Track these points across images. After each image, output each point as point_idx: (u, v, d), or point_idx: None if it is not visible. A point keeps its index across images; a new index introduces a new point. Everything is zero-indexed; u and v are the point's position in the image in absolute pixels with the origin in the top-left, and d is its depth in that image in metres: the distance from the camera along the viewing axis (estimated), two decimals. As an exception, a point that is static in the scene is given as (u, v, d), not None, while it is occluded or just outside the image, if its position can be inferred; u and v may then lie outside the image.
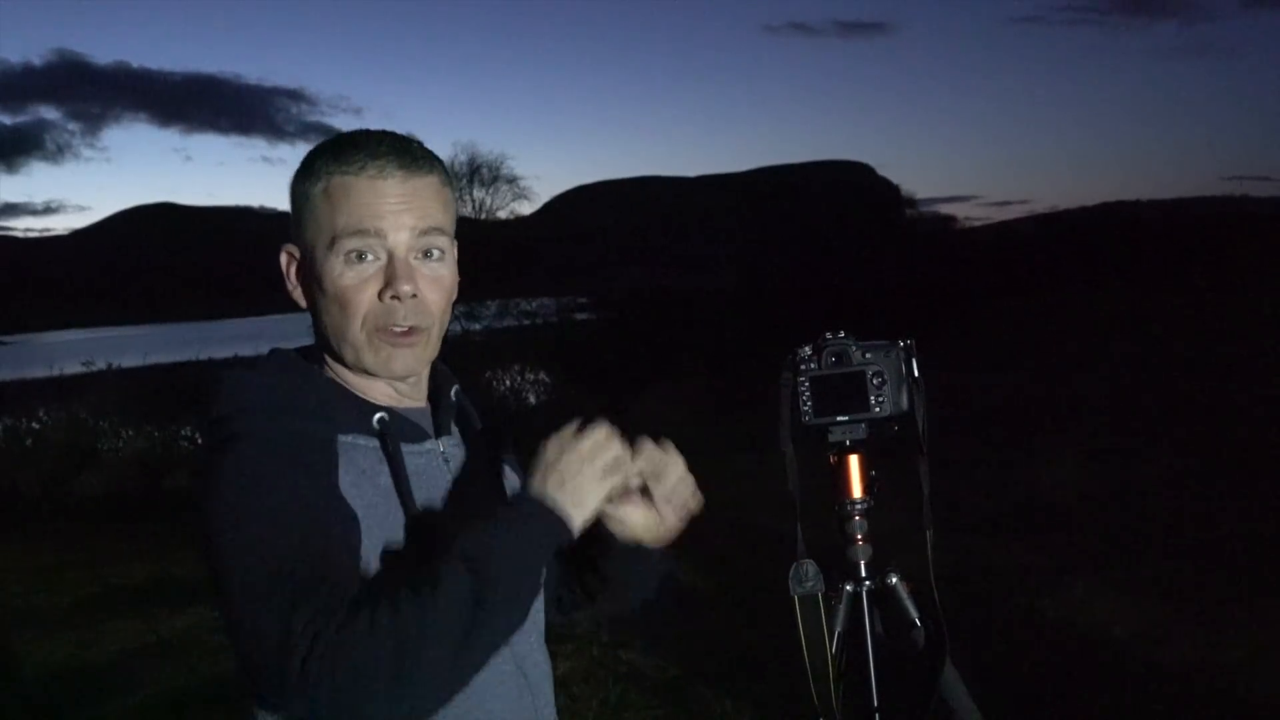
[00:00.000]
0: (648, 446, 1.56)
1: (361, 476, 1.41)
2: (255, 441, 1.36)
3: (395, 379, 1.49)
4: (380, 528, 1.40)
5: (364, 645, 1.18)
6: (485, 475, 1.59)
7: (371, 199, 1.41)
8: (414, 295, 1.43)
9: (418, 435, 1.51)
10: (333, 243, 1.42)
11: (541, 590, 1.58)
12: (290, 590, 1.22)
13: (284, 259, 1.51)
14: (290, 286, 1.51)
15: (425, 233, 1.45)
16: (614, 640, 5.45)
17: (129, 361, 17.59)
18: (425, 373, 1.57)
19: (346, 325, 1.43)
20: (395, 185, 1.42)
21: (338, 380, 1.50)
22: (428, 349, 1.49)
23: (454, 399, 1.60)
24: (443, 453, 1.53)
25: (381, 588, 1.25)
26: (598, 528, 1.50)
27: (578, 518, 1.36)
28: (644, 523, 1.59)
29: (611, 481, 1.42)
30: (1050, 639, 5.17)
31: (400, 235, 1.43)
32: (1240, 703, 4.32)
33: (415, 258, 1.45)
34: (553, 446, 1.39)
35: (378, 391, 1.50)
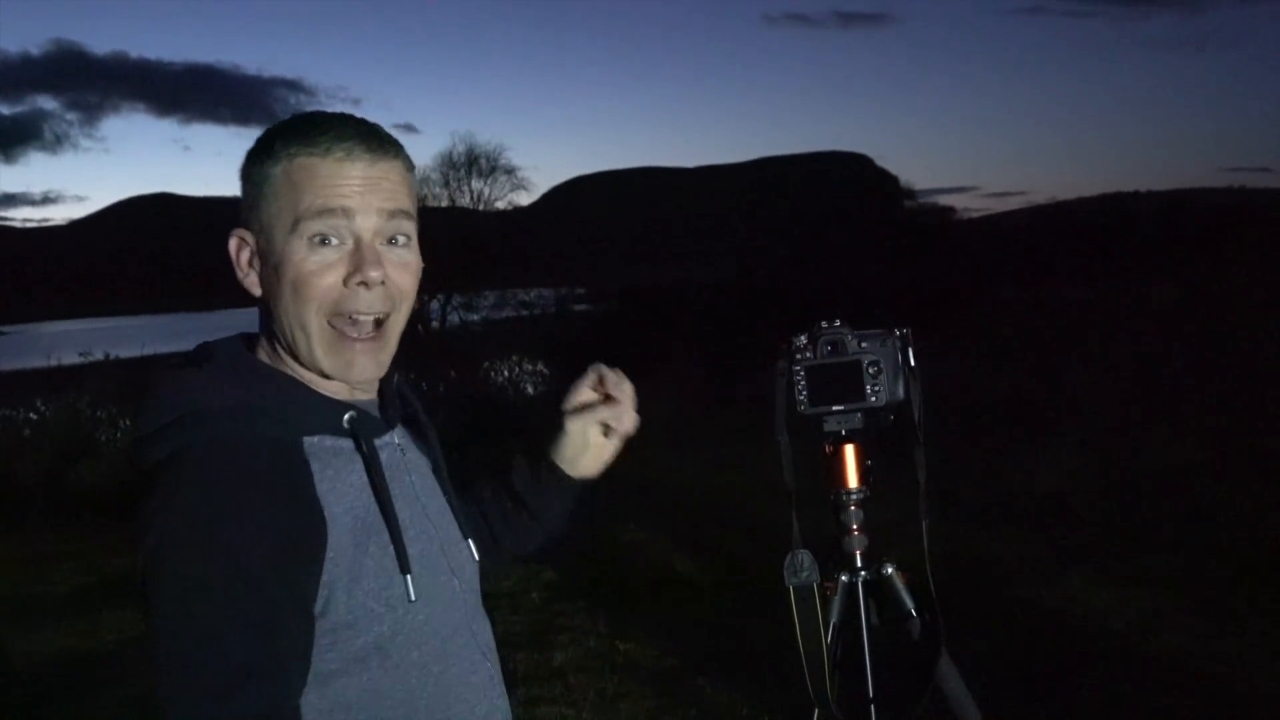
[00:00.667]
0: (606, 374, 1.66)
1: (336, 479, 1.35)
2: (214, 467, 1.25)
3: (355, 384, 1.42)
4: (365, 530, 1.34)
5: None
6: (436, 465, 1.57)
7: (338, 180, 1.34)
8: (382, 282, 1.36)
9: (379, 430, 1.45)
10: (295, 225, 1.33)
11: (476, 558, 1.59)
12: (223, 678, 1.16)
13: (234, 245, 1.41)
14: (241, 274, 1.41)
15: (393, 215, 1.37)
16: (611, 631, 5.46)
17: (127, 352, 17.56)
18: None
19: (304, 312, 1.35)
20: (362, 168, 1.35)
21: (294, 375, 1.40)
22: (386, 351, 1.41)
23: (396, 389, 1.53)
24: (398, 444, 1.49)
25: None
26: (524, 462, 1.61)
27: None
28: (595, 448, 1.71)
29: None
30: (1047, 629, 5.17)
31: (369, 218, 1.35)
32: (1238, 693, 4.32)
33: (381, 243, 1.37)
34: None
35: (332, 385, 1.42)
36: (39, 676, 5.63)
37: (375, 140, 1.38)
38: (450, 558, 1.49)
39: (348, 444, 1.39)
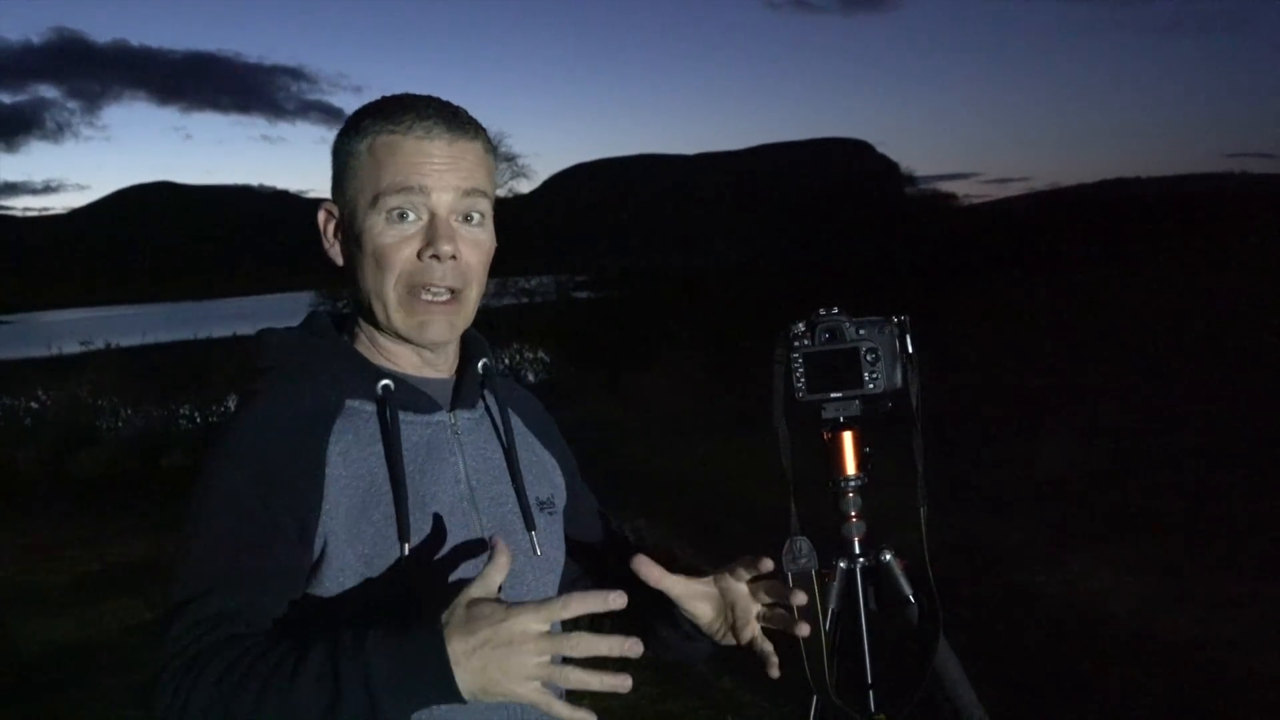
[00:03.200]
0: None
1: (355, 444, 1.41)
2: (255, 414, 1.41)
3: (427, 346, 1.48)
4: (366, 496, 1.39)
5: (202, 690, 1.20)
6: (499, 453, 1.56)
7: (417, 158, 1.41)
8: (454, 256, 1.42)
9: (427, 406, 1.49)
10: (375, 200, 1.41)
11: (558, 567, 1.64)
12: (192, 583, 1.29)
13: (322, 217, 1.51)
14: (327, 244, 1.51)
15: (468, 194, 1.44)
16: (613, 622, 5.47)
17: (127, 340, 17.59)
18: (454, 344, 1.56)
19: (382, 283, 1.43)
20: (441, 146, 1.42)
21: (358, 345, 1.51)
22: (461, 316, 1.48)
23: (480, 371, 1.57)
24: (453, 425, 1.51)
25: (261, 641, 1.24)
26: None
27: (471, 696, 1.18)
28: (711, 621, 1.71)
29: (535, 684, 1.21)
30: (1047, 614, 5.19)
31: (444, 195, 1.42)
32: (1237, 677, 4.33)
33: (456, 219, 1.44)
34: (484, 619, 1.18)
35: (403, 358, 1.50)
36: (43, 664, 5.65)
37: (456, 120, 1.45)
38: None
39: (374, 410, 1.45)
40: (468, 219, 1.45)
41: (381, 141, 1.42)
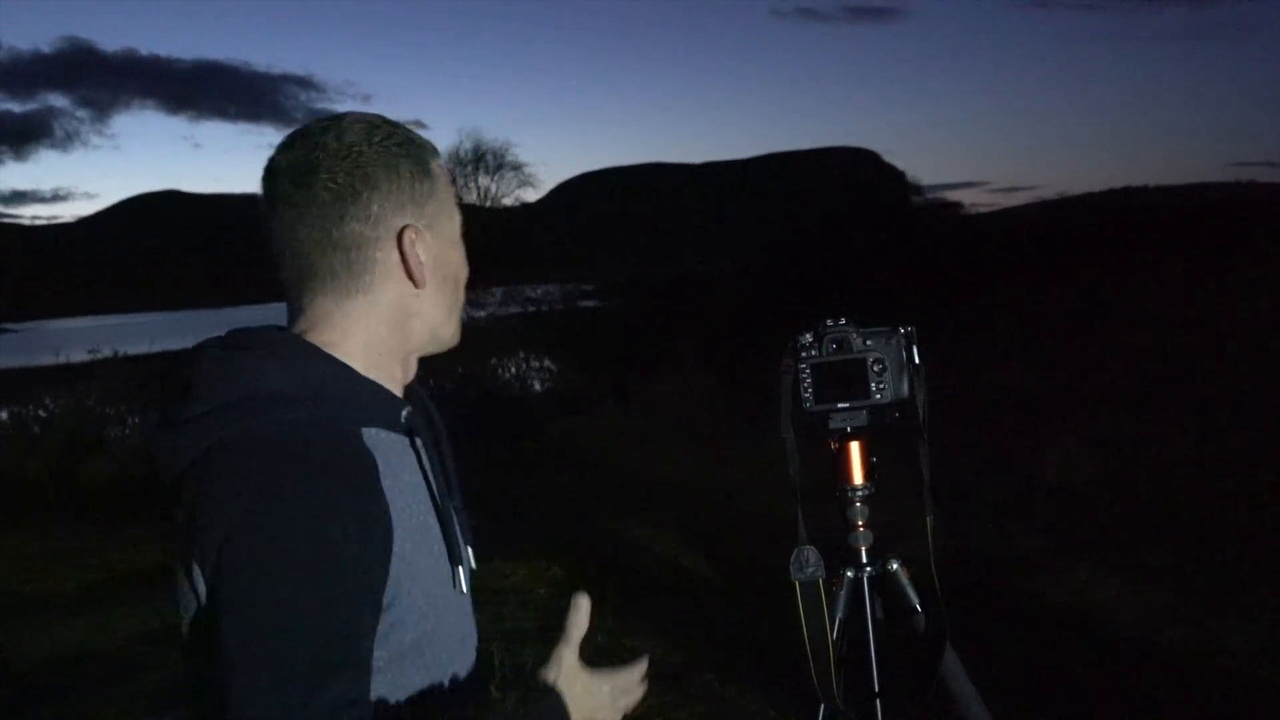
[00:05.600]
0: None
1: (399, 475, 1.34)
2: (280, 456, 1.22)
3: (451, 346, 1.54)
4: (420, 528, 1.36)
5: None
6: (445, 469, 1.54)
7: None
8: None
9: (422, 430, 1.47)
10: (456, 231, 1.50)
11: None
12: (315, 666, 1.14)
13: (411, 235, 1.41)
14: (414, 264, 1.41)
15: None
16: (618, 627, 5.47)
17: (135, 348, 17.63)
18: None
19: (456, 299, 1.51)
20: None
21: (350, 365, 1.38)
22: None
23: (418, 388, 1.55)
24: (435, 443, 1.52)
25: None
26: None
27: None
28: None
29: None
30: (1054, 624, 5.18)
31: None
32: (1246, 687, 4.32)
33: None
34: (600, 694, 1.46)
35: (392, 375, 1.44)
36: (51, 672, 5.66)
37: None
38: (465, 557, 1.51)
39: (400, 440, 1.38)
40: None
41: (445, 174, 1.49)
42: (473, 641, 1.51)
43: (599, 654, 5.22)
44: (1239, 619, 4.98)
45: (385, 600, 1.27)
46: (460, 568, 1.40)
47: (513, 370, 17.53)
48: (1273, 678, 4.39)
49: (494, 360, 17.48)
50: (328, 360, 1.35)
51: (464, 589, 1.41)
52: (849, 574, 2.31)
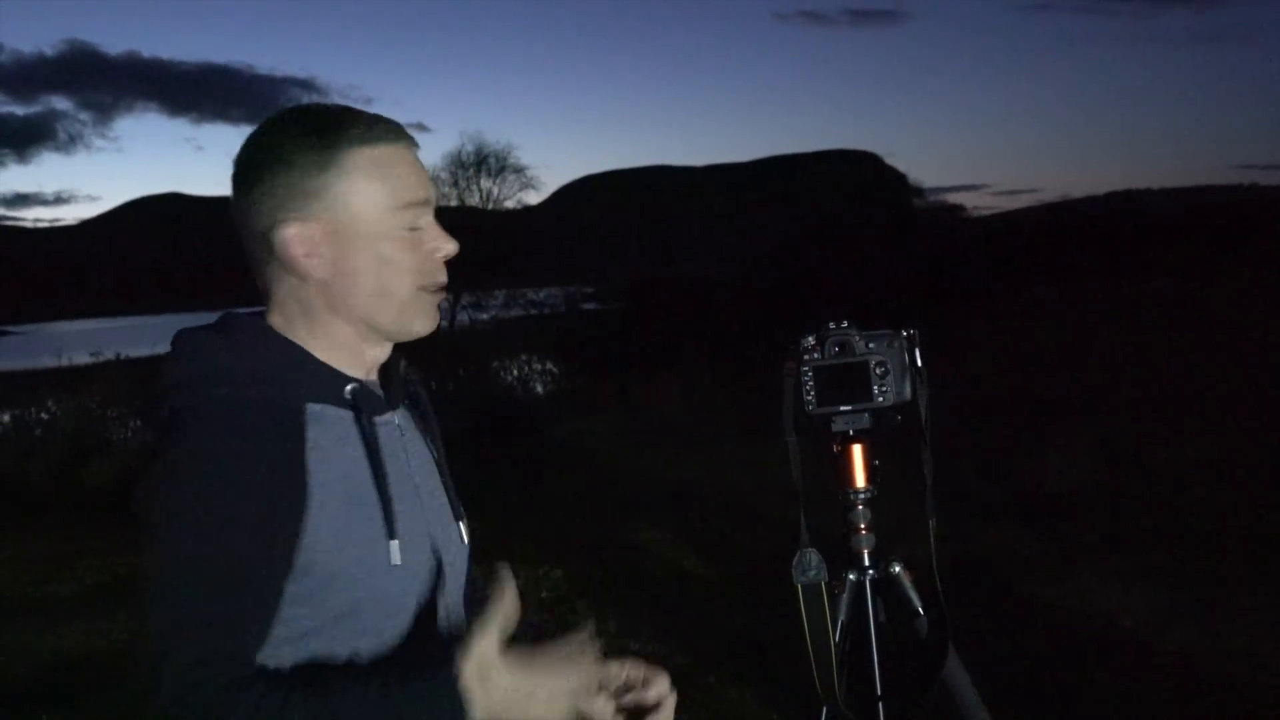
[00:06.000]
0: (635, 672, 1.58)
1: (331, 445, 1.42)
2: (213, 422, 1.34)
3: (417, 337, 1.52)
4: (356, 498, 1.42)
5: None
6: (435, 451, 1.63)
7: (416, 167, 1.49)
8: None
9: (380, 407, 1.52)
10: (389, 210, 1.45)
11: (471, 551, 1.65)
12: (199, 618, 1.24)
13: (294, 230, 1.43)
14: (305, 255, 1.43)
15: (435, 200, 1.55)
16: (621, 630, 5.47)
17: (137, 351, 17.63)
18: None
19: (399, 285, 1.47)
20: (417, 154, 1.51)
21: (305, 347, 1.48)
22: None
23: (403, 374, 1.60)
24: (398, 425, 1.55)
25: (285, 679, 1.28)
26: None
27: None
28: None
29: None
30: (1056, 627, 5.18)
31: (434, 202, 1.52)
32: (1248, 690, 4.32)
33: None
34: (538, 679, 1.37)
35: (348, 361, 1.50)
36: (53, 675, 5.67)
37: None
38: (437, 538, 1.54)
39: (348, 415, 1.46)
40: None
41: (380, 152, 1.45)
42: (445, 614, 1.53)
43: (603, 656, 5.23)
44: (1241, 622, 4.97)
45: (300, 565, 1.34)
46: (395, 541, 1.42)
47: (515, 373, 17.55)
48: (1274, 681, 4.38)
49: (496, 363, 17.50)
50: (275, 340, 1.46)
51: (397, 560, 1.42)
52: (851, 577, 2.31)
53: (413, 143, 1.50)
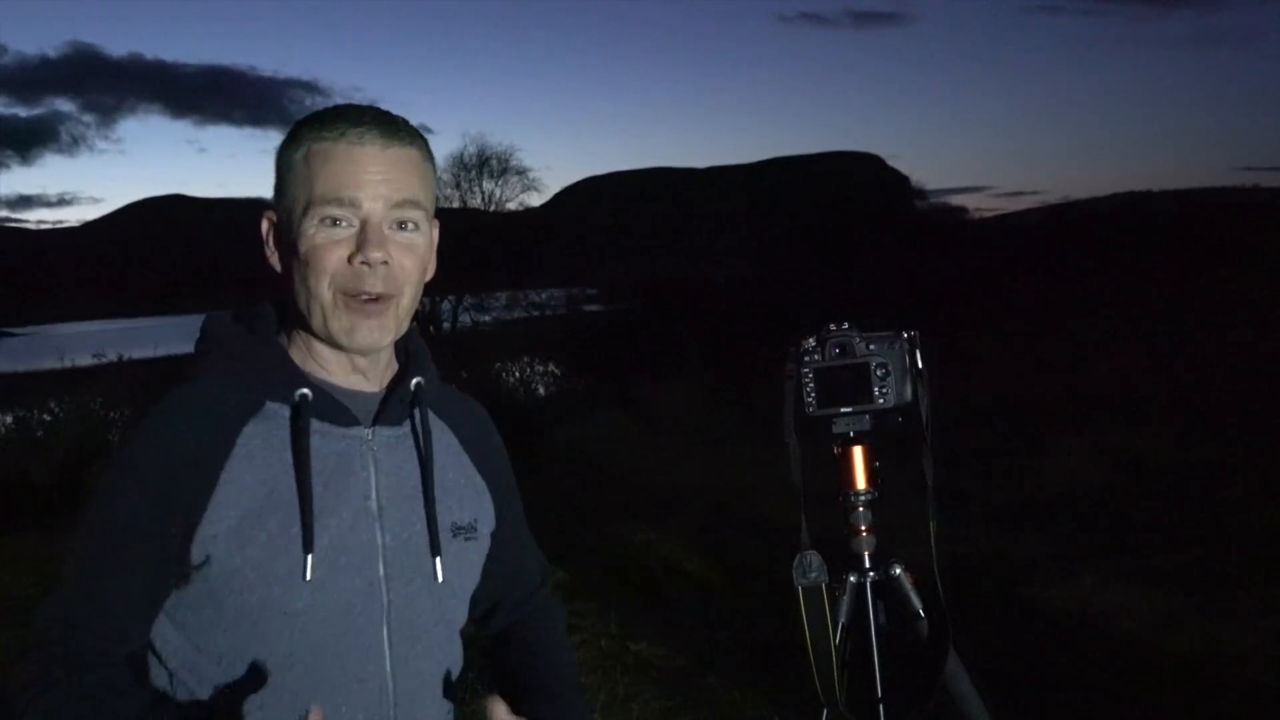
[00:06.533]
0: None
1: (263, 447, 1.42)
2: (162, 413, 1.42)
3: (357, 351, 1.46)
4: (265, 501, 1.40)
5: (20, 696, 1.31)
6: (417, 474, 1.53)
7: (349, 166, 1.41)
8: (385, 262, 1.41)
9: (344, 419, 1.47)
10: (308, 207, 1.41)
11: (465, 594, 1.58)
12: (68, 582, 1.39)
13: (264, 225, 1.51)
14: (268, 252, 1.51)
15: (399, 205, 1.43)
16: (623, 632, 5.47)
17: (140, 353, 17.63)
18: (386, 355, 1.54)
19: (315, 286, 1.42)
20: (374, 153, 1.42)
21: (292, 349, 1.50)
22: (394, 322, 1.46)
23: (412, 389, 1.54)
24: (371, 441, 1.49)
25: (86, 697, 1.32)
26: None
27: None
28: None
29: None
30: (1058, 629, 5.17)
31: (375, 205, 1.42)
32: (1251, 693, 4.31)
33: (389, 227, 1.43)
34: None
35: (335, 366, 1.49)
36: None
37: (390, 127, 1.44)
38: (392, 566, 1.47)
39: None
40: (401, 225, 1.45)
41: (316, 149, 1.42)
42: (375, 646, 1.46)
43: (605, 657, 5.22)
44: (1244, 624, 4.97)
45: (197, 557, 1.38)
46: (310, 556, 1.39)
47: (517, 375, 17.55)
48: (1275, 683, 4.38)
49: (498, 364, 17.50)
50: (258, 336, 1.50)
51: (307, 576, 1.38)
52: (852, 579, 2.31)
53: (368, 140, 1.41)
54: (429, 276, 1.51)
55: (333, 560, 1.41)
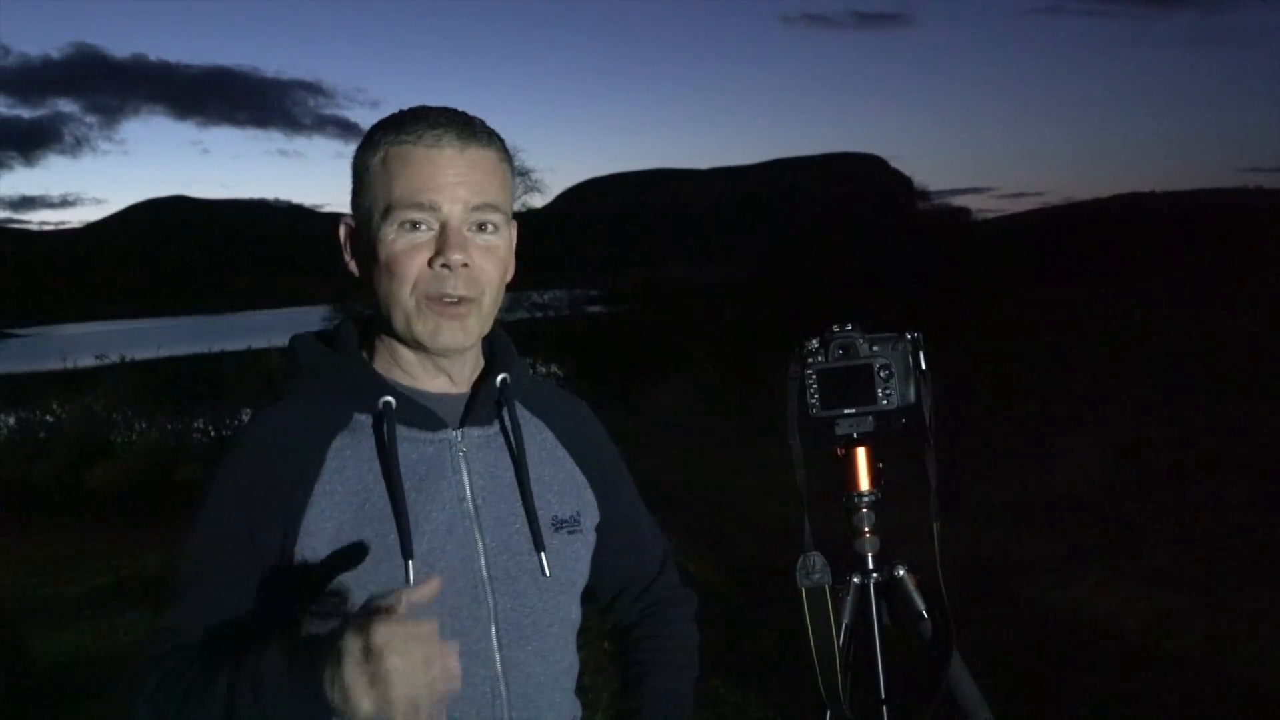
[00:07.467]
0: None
1: (353, 459, 1.43)
2: (265, 421, 1.46)
3: (441, 353, 1.47)
4: (360, 511, 1.40)
5: (143, 696, 1.32)
6: (510, 471, 1.52)
7: (427, 169, 1.41)
8: (465, 264, 1.41)
9: (431, 423, 1.47)
10: (388, 211, 1.41)
11: (574, 589, 1.58)
12: (169, 594, 1.42)
13: (342, 231, 1.52)
14: (347, 258, 1.52)
15: (478, 208, 1.43)
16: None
17: (142, 354, 17.65)
18: (471, 356, 1.53)
19: (398, 292, 1.42)
20: (452, 155, 1.41)
21: (376, 358, 1.52)
22: (477, 323, 1.46)
23: (497, 385, 1.53)
24: (460, 443, 1.49)
25: (186, 676, 1.32)
26: None
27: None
28: None
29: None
30: (1061, 629, 5.17)
31: (454, 208, 1.41)
32: (1252, 692, 4.31)
33: (469, 229, 1.43)
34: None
35: (420, 371, 1.50)
36: (57, 676, 5.67)
37: (467, 129, 1.44)
38: (494, 565, 1.47)
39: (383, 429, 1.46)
40: (481, 228, 1.44)
41: (394, 153, 1.42)
42: (481, 646, 1.45)
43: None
44: (1246, 625, 4.97)
45: (298, 567, 1.39)
46: (411, 562, 1.38)
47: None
48: (1277, 683, 4.37)
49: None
50: (347, 350, 1.52)
51: (410, 582, 1.37)
52: (855, 580, 2.31)
53: (445, 142, 1.41)
54: (509, 278, 1.52)
55: (432, 565, 1.40)
